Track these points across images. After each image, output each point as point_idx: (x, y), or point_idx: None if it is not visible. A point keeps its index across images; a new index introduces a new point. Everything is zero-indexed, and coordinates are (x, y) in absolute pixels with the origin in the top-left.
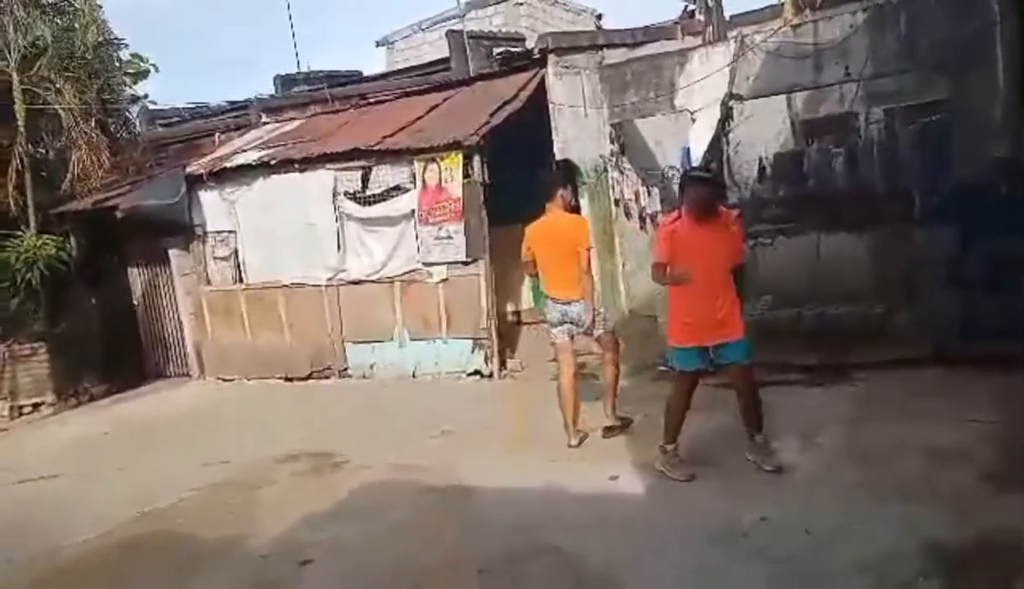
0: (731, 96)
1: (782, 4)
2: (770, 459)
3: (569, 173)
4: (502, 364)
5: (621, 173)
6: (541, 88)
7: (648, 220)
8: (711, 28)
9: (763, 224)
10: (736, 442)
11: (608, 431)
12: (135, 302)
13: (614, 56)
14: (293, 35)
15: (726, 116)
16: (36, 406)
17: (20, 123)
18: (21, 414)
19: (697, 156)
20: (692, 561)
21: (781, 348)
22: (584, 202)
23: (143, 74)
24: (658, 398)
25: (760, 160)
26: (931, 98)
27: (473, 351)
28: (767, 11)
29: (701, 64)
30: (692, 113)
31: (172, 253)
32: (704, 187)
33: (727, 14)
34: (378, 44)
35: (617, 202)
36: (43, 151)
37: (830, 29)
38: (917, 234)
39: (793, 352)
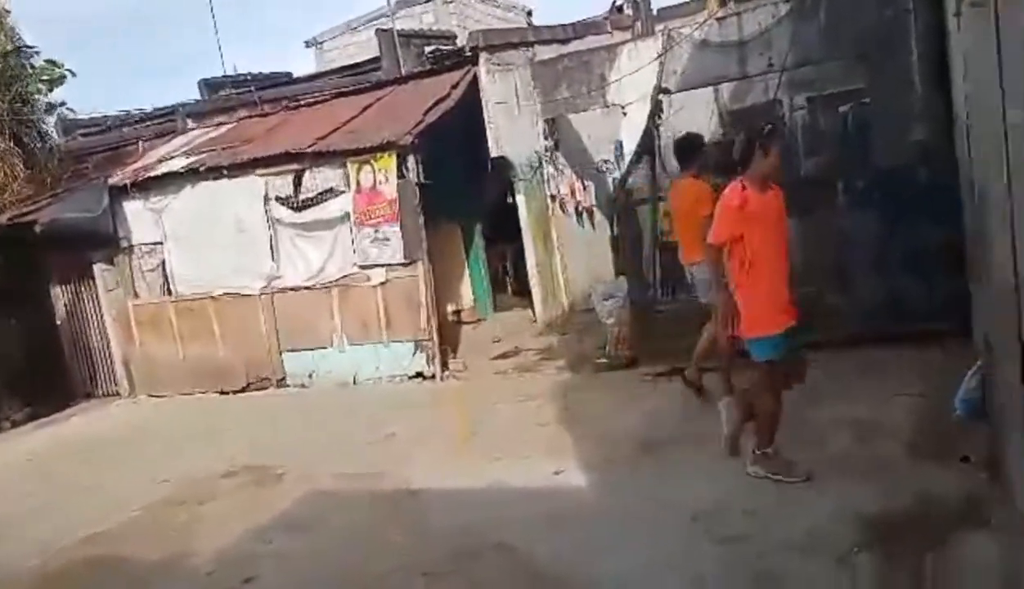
0: (660, 89)
1: None
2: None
3: (700, 144)
4: (444, 365)
5: (556, 168)
6: (474, 86)
7: (585, 214)
8: (639, 23)
9: None
10: (675, 427)
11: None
12: (58, 321)
13: (545, 52)
14: (218, 38)
15: (656, 109)
16: None
17: None
18: None
19: (630, 150)
20: (641, 549)
21: None
22: (520, 198)
23: (59, 80)
24: (599, 388)
25: None
26: (852, 86)
27: (415, 353)
28: (693, 4)
29: (630, 59)
30: (624, 107)
31: (97, 268)
32: (783, 141)
33: (654, 8)
34: (307, 44)
35: (553, 197)
36: None
37: (754, 21)
38: (843, 218)
39: None
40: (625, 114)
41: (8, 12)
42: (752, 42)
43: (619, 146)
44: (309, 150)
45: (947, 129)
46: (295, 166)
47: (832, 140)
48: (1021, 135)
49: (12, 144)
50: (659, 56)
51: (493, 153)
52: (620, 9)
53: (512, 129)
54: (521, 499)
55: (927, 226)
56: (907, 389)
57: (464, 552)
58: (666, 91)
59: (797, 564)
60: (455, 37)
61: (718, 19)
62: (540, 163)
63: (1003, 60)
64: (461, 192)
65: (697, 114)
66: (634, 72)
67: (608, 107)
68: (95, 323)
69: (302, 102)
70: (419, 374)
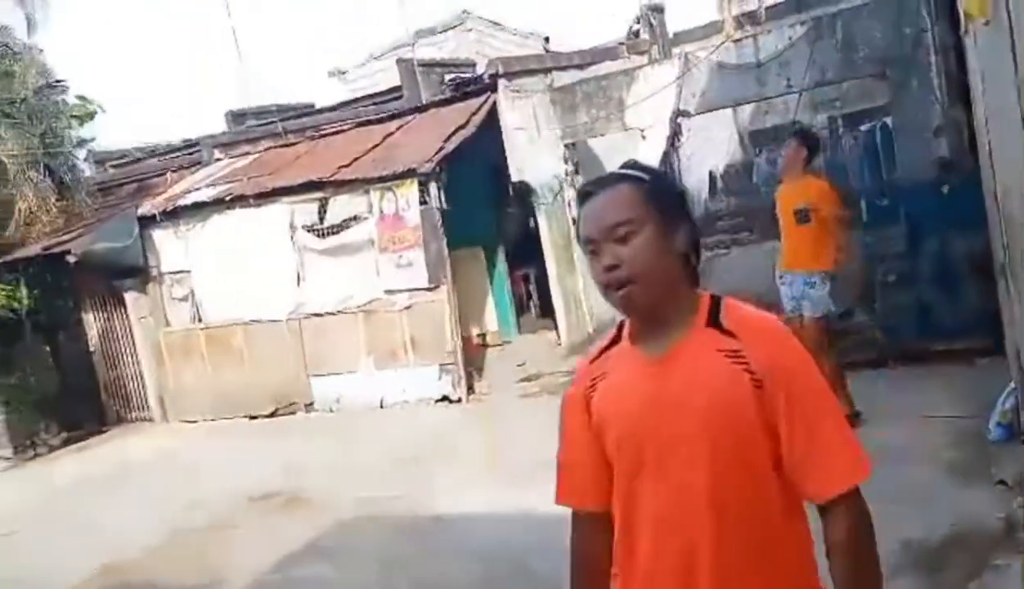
0: (679, 112)
1: (723, 20)
2: None
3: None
4: (470, 388)
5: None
6: (493, 112)
7: None
8: (656, 47)
9: (719, 234)
10: None
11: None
12: (91, 348)
13: (563, 78)
14: (242, 67)
15: (675, 132)
16: None
17: None
18: None
19: None
20: None
21: None
22: (542, 222)
23: (90, 116)
24: None
25: (711, 173)
26: (872, 104)
27: (440, 377)
28: (709, 27)
29: (648, 82)
30: (642, 131)
31: (128, 296)
32: (617, 198)
33: (671, 32)
34: (330, 74)
35: (575, 221)
36: None
37: (771, 42)
38: (867, 236)
39: None
40: (644, 137)
41: (41, 51)
42: (770, 63)
43: None
44: (333, 178)
45: (971, 144)
46: (319, 194)
47: (853, 158)
48: None
49: (44, 177)
50: (677, 79)
51: (514, 178)
52: (637, 34)
53: (532, 154)
54: (548, 524)
55: (954, 241)
56: (938, 410)
57: (487, 577)
58: (685, 114)
59: None
60: (474, 65)
61: (735, 41)
62: (561, 187)
63: (1020, 74)
64: (483, 217)
65: (716, 136)
66: (652, 95)
67: (627, 131)
68: (127, 350)
69: (325, 131)
70: (445, 398)
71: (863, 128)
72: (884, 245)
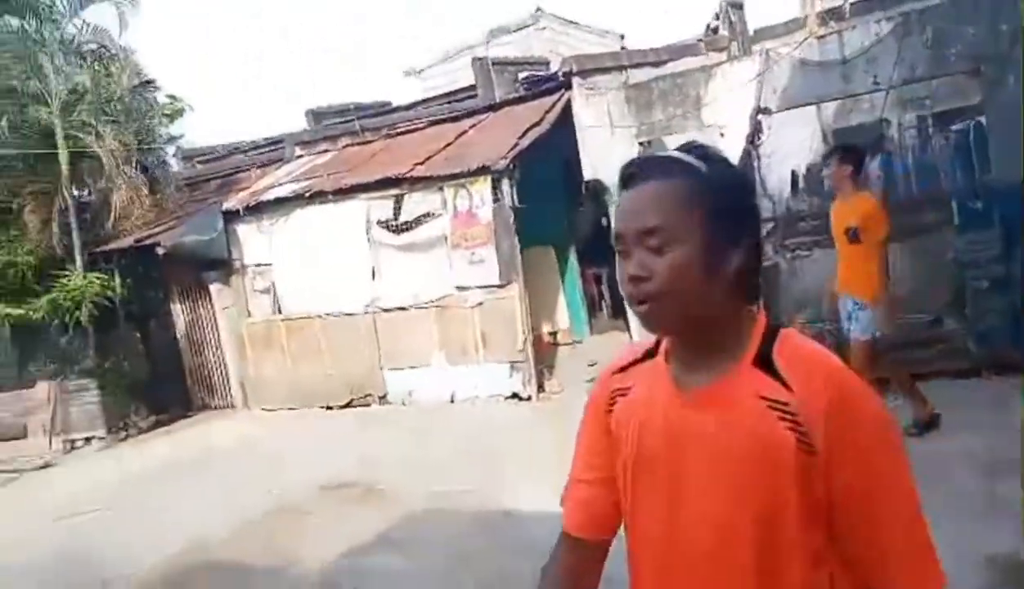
0: (759, 110)
1: (806, 16)
2: None
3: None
4: (540, 386)
5: None
6: (567, 110)
7: None
8: (735, 43)
9: (800, 236)
10: None
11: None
12: (178, 336)
13: (638, 76)
14: (317, 70)
15: (755, 130)
16: (88, 440)
17: (63, 167)
18: (73, 448)
19: None
20: None
21: None
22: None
23: (179, 113)
24: None
25: (793, 172)
26: (964, 103)
27: (510, 374)
28: (792, 24)
29: (726, 79)
30: (721, 128)
31: (213, 287)
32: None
33: (751, 28)
34: (406, 74)
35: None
36: (86, 192)
37: (856, 39)
38: (959, 239)
39: None
40: (722, 135)
41: (134, 51)
42: (856, 60)
43: None
44: (408, 175)
45: None
46: (395, 191)
47: (945, 158)
48: None
49: (137, 172)
50: (758, 75)
51: (587, 176)
52: (715, 31)
53: (606, 152)
54: None
55: None
56: None
57: None
58: (766, 111)
59: None
60: (548, 63)
61: (818, 38)
62: None
63: None
64: (556, 215)
65: (799, 134)
66: (731, 92)
67: (705, 128)
68: (211, 339)
69: (401, 129)
70: (515, 395)
71: (955, 127)
72: (977, 249)
